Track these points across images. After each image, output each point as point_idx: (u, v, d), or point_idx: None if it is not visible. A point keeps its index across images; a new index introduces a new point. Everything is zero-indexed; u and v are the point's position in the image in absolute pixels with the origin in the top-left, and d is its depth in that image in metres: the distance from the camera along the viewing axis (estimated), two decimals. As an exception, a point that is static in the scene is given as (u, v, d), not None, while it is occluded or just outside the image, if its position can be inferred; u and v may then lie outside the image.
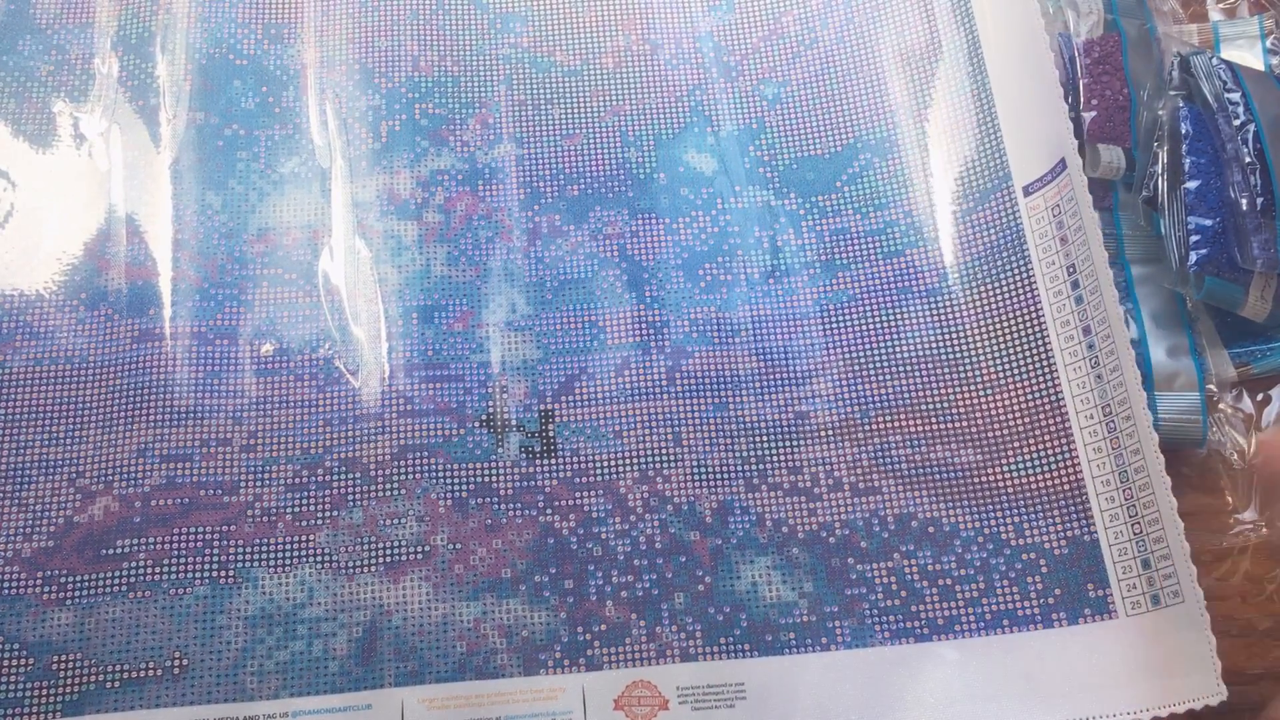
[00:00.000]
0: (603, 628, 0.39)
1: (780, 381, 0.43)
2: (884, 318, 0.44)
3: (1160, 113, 0.45)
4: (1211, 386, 0.44)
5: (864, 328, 0.44)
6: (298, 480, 0.41)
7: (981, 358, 0.43)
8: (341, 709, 0.38)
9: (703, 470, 0.42)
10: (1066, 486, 0.40)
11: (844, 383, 0.43)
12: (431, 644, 0.39)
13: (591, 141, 0.47)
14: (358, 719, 0.38)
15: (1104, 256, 0.40)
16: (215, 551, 0.40)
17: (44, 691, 0.37)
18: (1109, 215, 0.46)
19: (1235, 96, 0.43)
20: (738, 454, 0.42)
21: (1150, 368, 0.43)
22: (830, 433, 0.42)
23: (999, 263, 0.44)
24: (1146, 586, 0.38)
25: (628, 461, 0.42)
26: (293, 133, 0.46)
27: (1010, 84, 0.45)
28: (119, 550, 0.39)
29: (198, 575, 0.39)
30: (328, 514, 0.40)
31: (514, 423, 0.42)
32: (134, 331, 0.43)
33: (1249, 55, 0.49)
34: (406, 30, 0.49)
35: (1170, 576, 0.37)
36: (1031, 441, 0.41)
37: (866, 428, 0.42)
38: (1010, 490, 0.41)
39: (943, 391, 0.42)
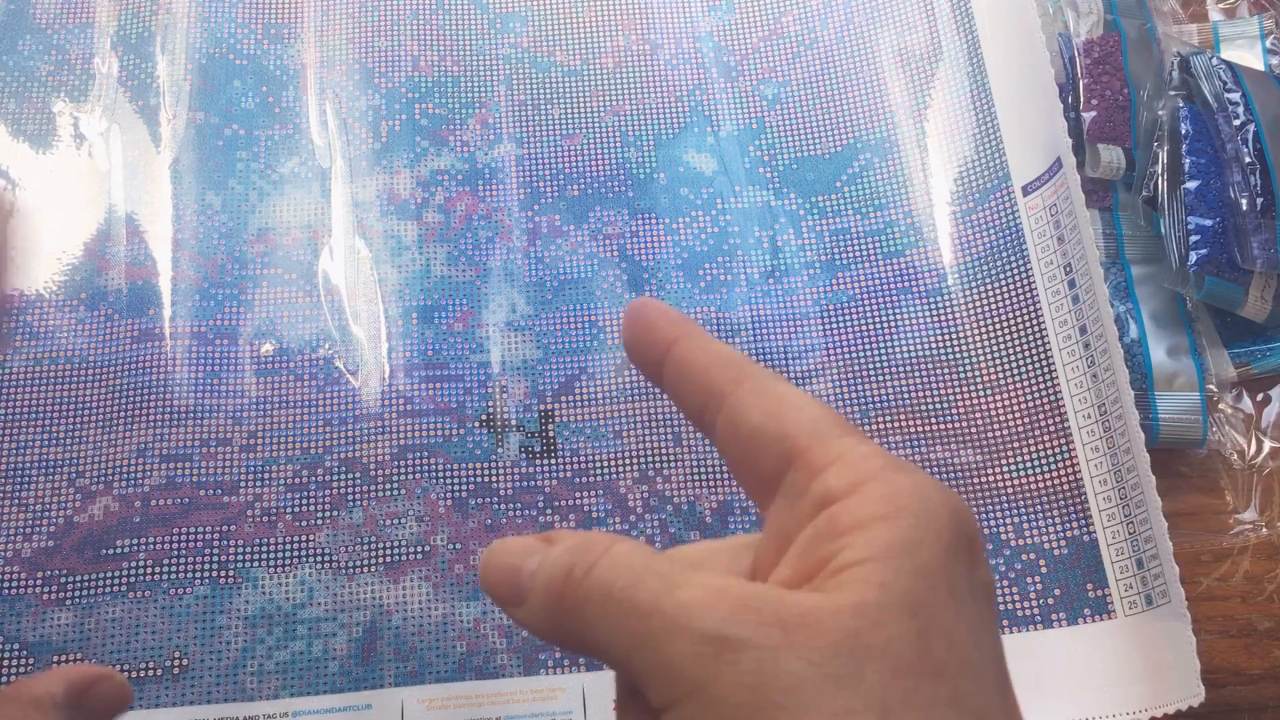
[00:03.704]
0: (602, 628, 0.39)
1: (780, 381, 0.43)
2: (884, 318, 0.44)
3: (1160, 113, 0.45)
4: (1211, 386, 0.43)
5: (864, 328, 0.44)
6: (298, 480, 0.41)
7: (981, 358, 0.43)
8: (341, 709, 0.38)
9: (703, 470, 0.42)
10: (1066, 487, 0.40)
11: (844, 383, 0.43)
12: (431, 644, 0.39)
13: (591, 141, 0.47)
14: (358, 719, 0.38)
15: (1095, 255, 0.40)
16: (215, 551, 0.40)
17: (44, 691, 0.37)
18: (1109, 215, 0.46)
19: (1235, 96, 0.43)
20: (737, 454, 0.42)
21: (1150, 368, 0.43)
22: (830, 433, 0.42)
23: (999, 263, 0.44)
24: (1141, 586, 0.38)
25: (628, 461, 0.42)
26: (293, 133, 0.46)
27: (1009, 84, 0.45)
28: (119, 550, 0.39)
29: (198, 575, 0.39)
30: (328, 514, 0.40)
31: (514, 423, 0.42)
32: (134, 331, 0.43)
33: (1249, 55, 0.49)
34: (406, 30, 0.49)
35: (1159, 576, 0.37)
36: (1031, 441, 0.41)
37: (866, 428, 0.42)
38: (1010, 490, 0.41)
39: (942, 392, 0.42)
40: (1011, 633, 0.39)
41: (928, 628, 0.17)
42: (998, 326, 0.43)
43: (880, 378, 0.43)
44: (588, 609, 0.19)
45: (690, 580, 0.18)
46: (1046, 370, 0.42)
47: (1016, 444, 0.41)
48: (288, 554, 0.40)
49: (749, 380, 0.21)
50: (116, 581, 0.39)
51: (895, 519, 0.18)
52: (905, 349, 0.43)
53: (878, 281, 0.45)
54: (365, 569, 0.40)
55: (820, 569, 0.18)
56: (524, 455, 0.42)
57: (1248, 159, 0.42)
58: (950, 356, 0.43)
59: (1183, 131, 0.44)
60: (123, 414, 0.41)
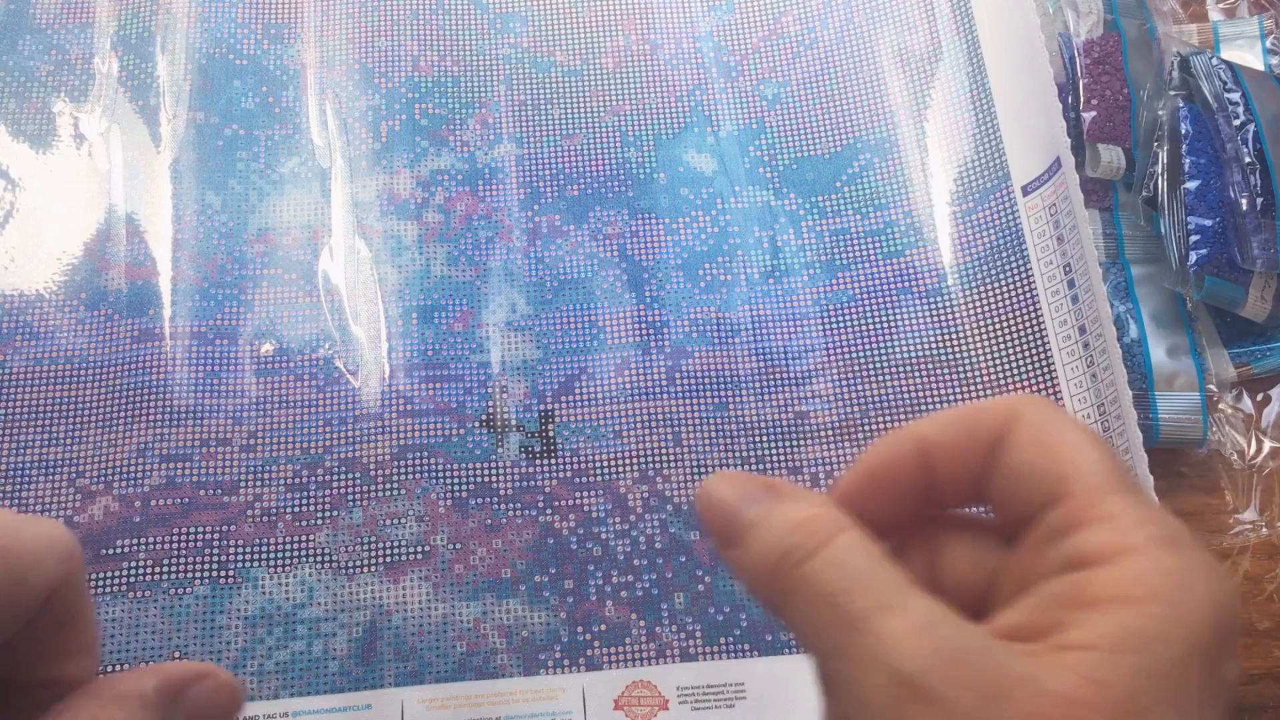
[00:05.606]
0: (602, 628, 0.39)
1: (780, 381, 0.43)
2: (884, 318, 0.44)
3: (1160, 113, 0.45)
4: (1211, 386, 0.43)
5: (864, 328, 0.44)
6: (298, 480, 0.41)
7: (981, 358, 0.43)
8: (341, 709, 0.38)
9: (703, 470, 0.42)
10: (1066, 486, 0.40)
11: (844, 383, 0.43)
12: (431, 644, 0.39)
13: (591, 141, 0.47)
14: (358, 719, 0.38)
15: (1095, 255, 0.40)
16: (215, 551, 0.40)
17: (44, 691, 0.37)
18: (1109, 215, 0.46)
19: (1235, 96, 0.43)
20: (738, 454, 0.42)
21: (1150, 368, 0.43)
22: (830, 433, 0.42)
23: (999, 263, 0.44)
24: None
25: (628, 461, 0.42)
26: (293, 133, 0.46)
27: (1009, 83, 0.45)
28: (119, 550, 0.39)
29: (198, 575, 0.39)
30: (328, 514, 0.40)
31: (514, 423, 0.42)
32: (134, 331, 0.43)
33: (1249, 55, 0.49)
34: (406, 30, 0.49)
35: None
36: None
37: (866, 428, 0.42)
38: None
39: (942, 392, 0.42)
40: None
41: None
42: (998, 326, 0.43)
43: (880, 378, 0.43)
44: (795, 601, 0.18)
45: (905, 605, 0.17)
46: (1046, 370, 0.42)
47: (1016, 444, 0.41)
48: (288, 554, 0.40)
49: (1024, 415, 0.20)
50: (116, 581, 0.39)
51: (1142, 605, 0.17)
52: (905, 349, 0.43)
53: (878, 281, 0.45)
54: (365, 569, 0.40)
55: (1049, 634, 0.17)
56: (524, 455, 0.42)
57: (1248, 159, 0.42)
58: (950, 356, 0.43)
59: (1183, 131, 0.44)
60: (123, 414, 0.41)
